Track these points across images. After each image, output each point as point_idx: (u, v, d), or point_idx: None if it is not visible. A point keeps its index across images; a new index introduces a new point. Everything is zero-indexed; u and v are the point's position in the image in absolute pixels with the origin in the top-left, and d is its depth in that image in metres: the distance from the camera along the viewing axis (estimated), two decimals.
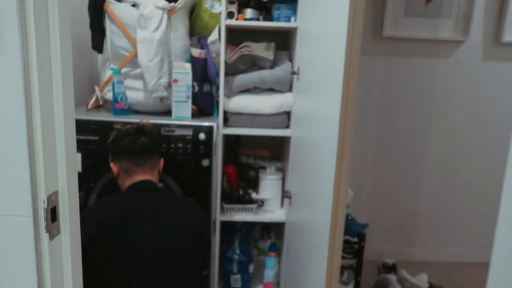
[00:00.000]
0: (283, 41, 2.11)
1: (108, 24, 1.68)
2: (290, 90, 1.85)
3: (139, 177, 1.36)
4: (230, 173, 1.98)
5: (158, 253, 1.23)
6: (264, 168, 2.00)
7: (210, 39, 1.75)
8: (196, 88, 1.76)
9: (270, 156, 2.15)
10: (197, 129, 1.63)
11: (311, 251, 1.34)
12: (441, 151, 2.45)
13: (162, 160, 1.48)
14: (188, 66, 1.65)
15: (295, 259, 1.65)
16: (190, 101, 1.67)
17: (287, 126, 1.88)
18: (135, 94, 1.73)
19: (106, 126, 1.60)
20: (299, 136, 1.63)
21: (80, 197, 1.66)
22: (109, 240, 1.20)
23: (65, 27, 0.64)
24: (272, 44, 1.83)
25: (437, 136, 2.43)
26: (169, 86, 1.69)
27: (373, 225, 2.40)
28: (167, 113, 1.74)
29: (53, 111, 0.64)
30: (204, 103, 1.80)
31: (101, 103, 1.73)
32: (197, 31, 1.82)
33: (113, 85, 1.64)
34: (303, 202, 1.50)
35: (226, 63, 1.81)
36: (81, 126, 1.60)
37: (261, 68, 1.82)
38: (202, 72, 1.75)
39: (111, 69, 1.66)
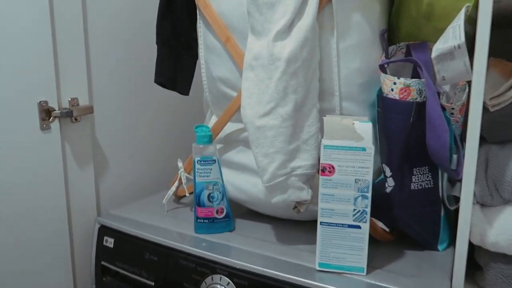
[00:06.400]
0: None
1: (201, 31, 0.78)
2: None
3: None
4: None
5: None
6: None
7: (439, 47, 0.62)
8: (391, 185, 0.65)
9: None
10: None
11: None
12: None
13: None
14: (367, 127, 0.57)
15: None
16: (368, 223, 0.58)
17: None
18: (248, 181, 0.77)
19: (166, 266, 0.70)
20: None
21: None
22: None
23: None
24: None
25: None
26: (317, 174, 0.64)
27: None
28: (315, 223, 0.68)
29: None
30: (414, 223, 0.67)
31: (187, 193, 0.84)
32: (402, 32, 0.72)
33: (193, 165, 0.73)
34: None
35: (485, 110, 0.64)
36: (133, 249, 0.75)
37: None
38: (411, 139, 0.63)
39: (195, 129, 0.75)
